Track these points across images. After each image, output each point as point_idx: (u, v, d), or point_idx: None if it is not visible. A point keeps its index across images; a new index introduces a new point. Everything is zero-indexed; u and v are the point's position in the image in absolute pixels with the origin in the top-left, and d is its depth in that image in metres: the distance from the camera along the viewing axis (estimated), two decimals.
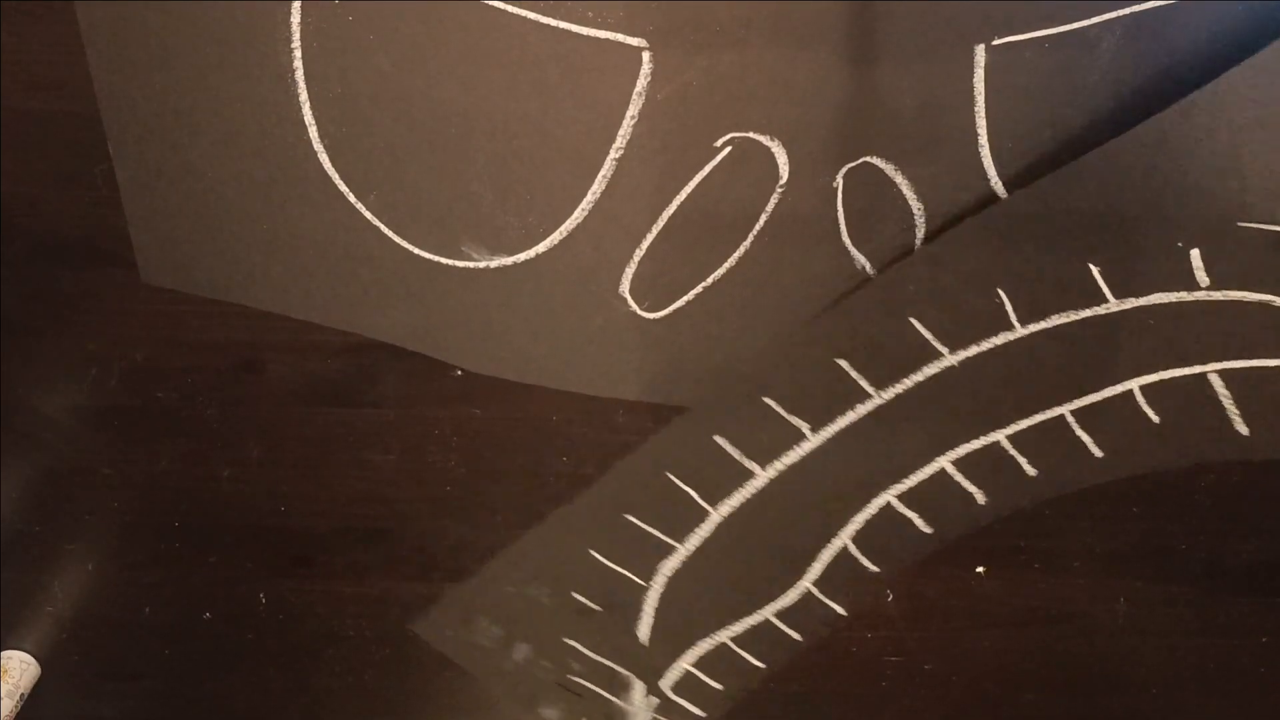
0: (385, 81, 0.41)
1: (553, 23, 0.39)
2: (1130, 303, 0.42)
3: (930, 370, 0.44)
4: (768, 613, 0.51)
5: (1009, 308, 0.42)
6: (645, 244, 0.44)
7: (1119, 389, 0.45)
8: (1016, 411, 0.46)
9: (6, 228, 0.45)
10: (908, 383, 0.45)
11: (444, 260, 0.45)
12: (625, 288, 0.45)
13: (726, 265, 0.44)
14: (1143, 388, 0.44)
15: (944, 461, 0.47)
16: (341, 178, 0.43)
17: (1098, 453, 0.46)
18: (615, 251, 0.44)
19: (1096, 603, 0.53)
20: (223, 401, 0.50)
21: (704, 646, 0.53)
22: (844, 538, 0.49)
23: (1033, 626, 0.54)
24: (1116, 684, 0.56)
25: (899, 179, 0.42)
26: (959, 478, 0.47)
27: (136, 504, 0.53)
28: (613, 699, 0.55)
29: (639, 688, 0.54)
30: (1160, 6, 0.37)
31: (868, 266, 0.43)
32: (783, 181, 0.42)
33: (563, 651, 0.53)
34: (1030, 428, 0.46)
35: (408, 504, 0.53)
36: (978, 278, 0.42)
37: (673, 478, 0.48)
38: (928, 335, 0.43)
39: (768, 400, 0.45)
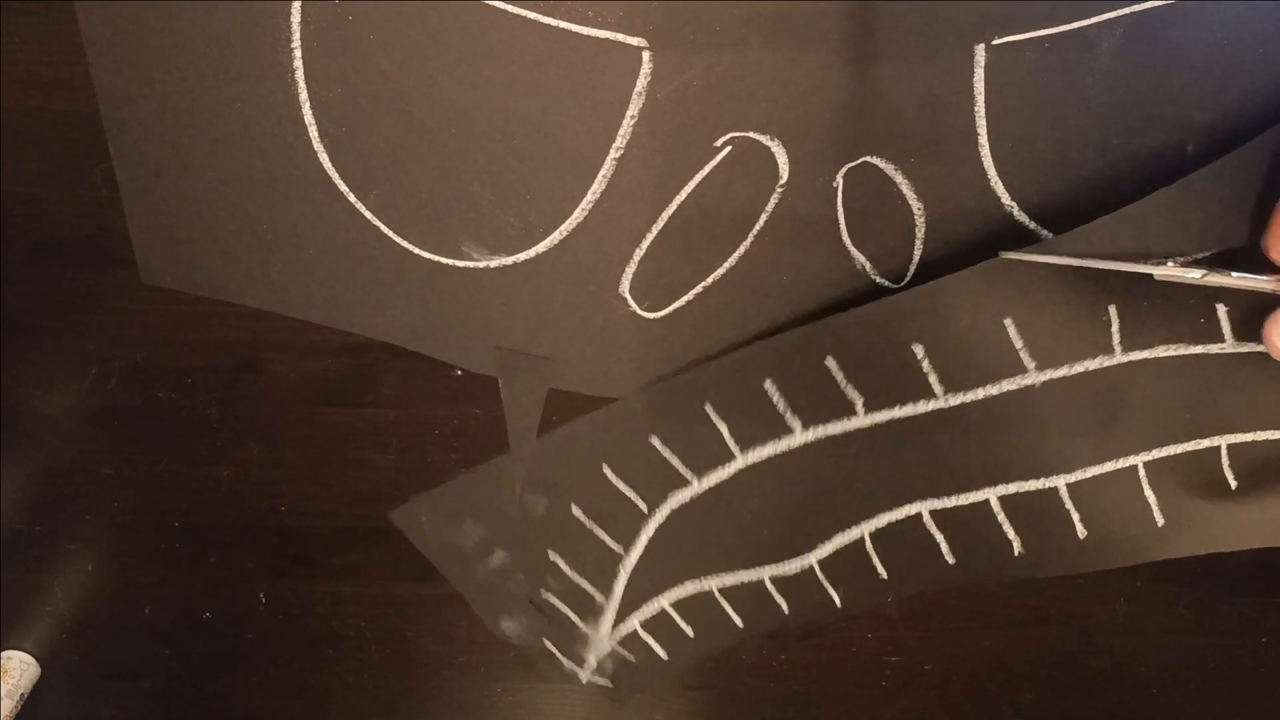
0: (385, 81, 0.41)
1: (553, 23, 0.39)
2: (1248, 346, 0.40)
3: (1008, 385, 0.42)
4: (764, 574, 0.50)
5: (1114, 328, 0.39)
6: (645, 244, 0.44)
7: (1207, 443, 0.42)
8: (1087, 454, 0.43)
9: (6, 228, 0.45)
10: (979, 394, 0.42)
11: (444, 260, 0.45)
12: (625, 288, 0.45)
13: (726, 265, 0.44)
14: (1230, 446, 0.42)
15: (990, 494, 0.44)
16: (341, 178, 0.43)
17: (1160, 520, 0.44)
18: (615, 251, 0.44)
19: (1096, 603, 0.53)
20: (223, 401, 0.50)
21: (689, 589, 0.51)
22: (864, 529, 0.47)
23: (1033, 626, 0.54)
24: (1116, 684, 0.56)
25: (899, 179, 0.42)
26: (1002, 518, 0.45)
27: (136, 504, 0.53)
28: (579, 623, 0.53)
29: (609, 616, 0.52)
30: (1160, 6, 0.37)
31: (868, 266, 0.43)
32: (783, 181, 0.42)
33: (543, 566, 0.51)
34: (1097, 478, 0.43)
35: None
36: (1090, 289, 0.39)
37: (710, 411, 0.45)
38: (1018, 343, 0.40)
39: (830, 362, 0.43)
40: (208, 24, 0.40)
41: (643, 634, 0.53)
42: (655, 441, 0.46)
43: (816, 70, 0.39)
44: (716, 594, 0.51)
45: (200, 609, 0.57)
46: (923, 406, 0.43)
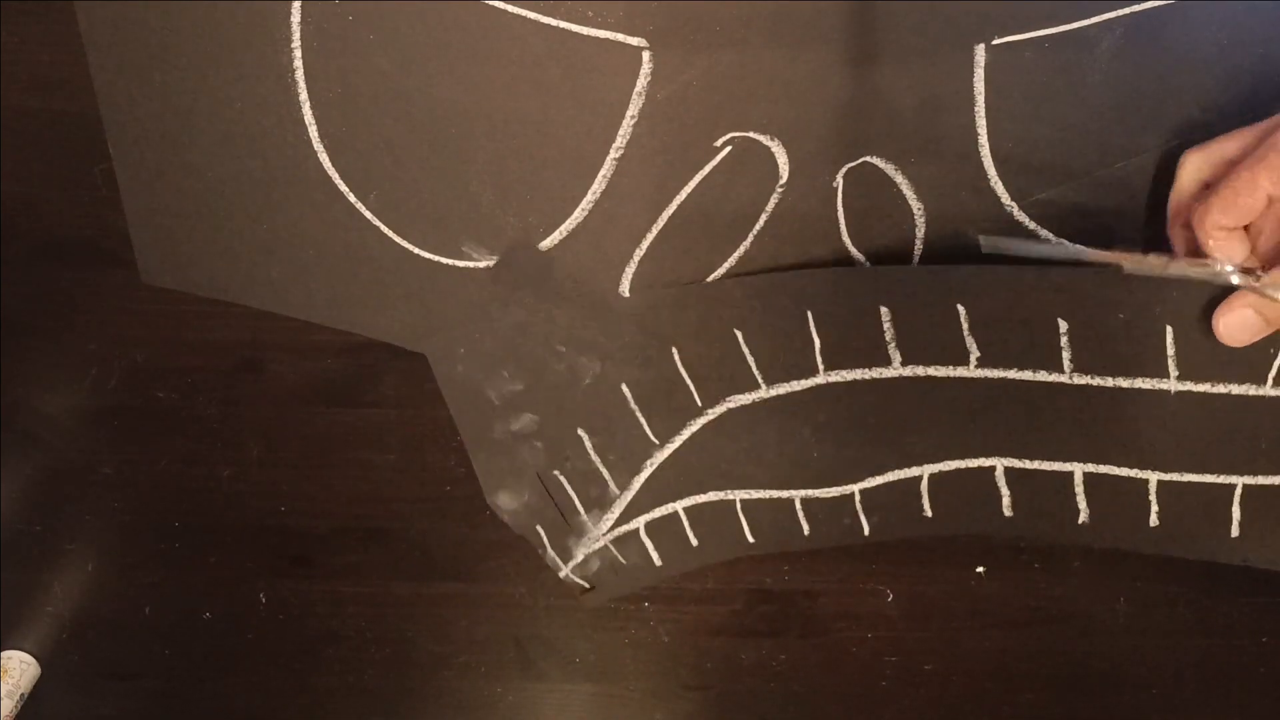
0: (385, 81, 0.41)
1: (553, 23, 0.39)
2: None
3: (1142, 384, 0.42)
4: (797, 495, 0.48)
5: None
6: (645, 244, 0.44)
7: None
8: (1192, 463, 0.43)
9: (6, 228, 0.45)
10: (1108, 382, 0.42)
11: (444, 260, 0.45)
12: (625, 288, 0.45)
13: (726, 265, 0.44)
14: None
15: (1078, 468, 0.44)
16: (341, 178, 0.43)
17: (1236, 533, 0.44)
18: (615, 251, 0.44)
19: (1096, 603, 0.53)
20: (223, 401, 0.50)
21: (710, 497, 0.48)
22: (925, 470, 0.46)
23: (1033, 626, 0.54)
24: (1116, 684, 0.56)
25: (899, 179, 0.41)
26: (1080, 490, 0.45)
27: (136, 504, 0.53)
28: (580, 512, 0.50)
29: (616, 510, 0.49)
30: (1160, 6, 0.37)
31: (868, 266, 0.43)
32: (783, 181, 0.42)
33: (566, 441, 0.48)
34: (1192, 484, 0.43)
35: (408, 504, 0.53)
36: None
37: (811, 320, 0.43)
38: (1169, 350, 0.40)
39: (960, 309, 0.42)
40: (208, 24, 0.40)
41: (644, 535, 0.50)
42: (738, 334, 0.44)
43: (816, 70, 0.39)
44: (738, 505, 0.48)
45: (200, 609, 0.57)
46: (1043, 376, 0.42)
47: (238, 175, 0.43)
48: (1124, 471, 0.44)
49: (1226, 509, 0.44)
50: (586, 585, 0.53)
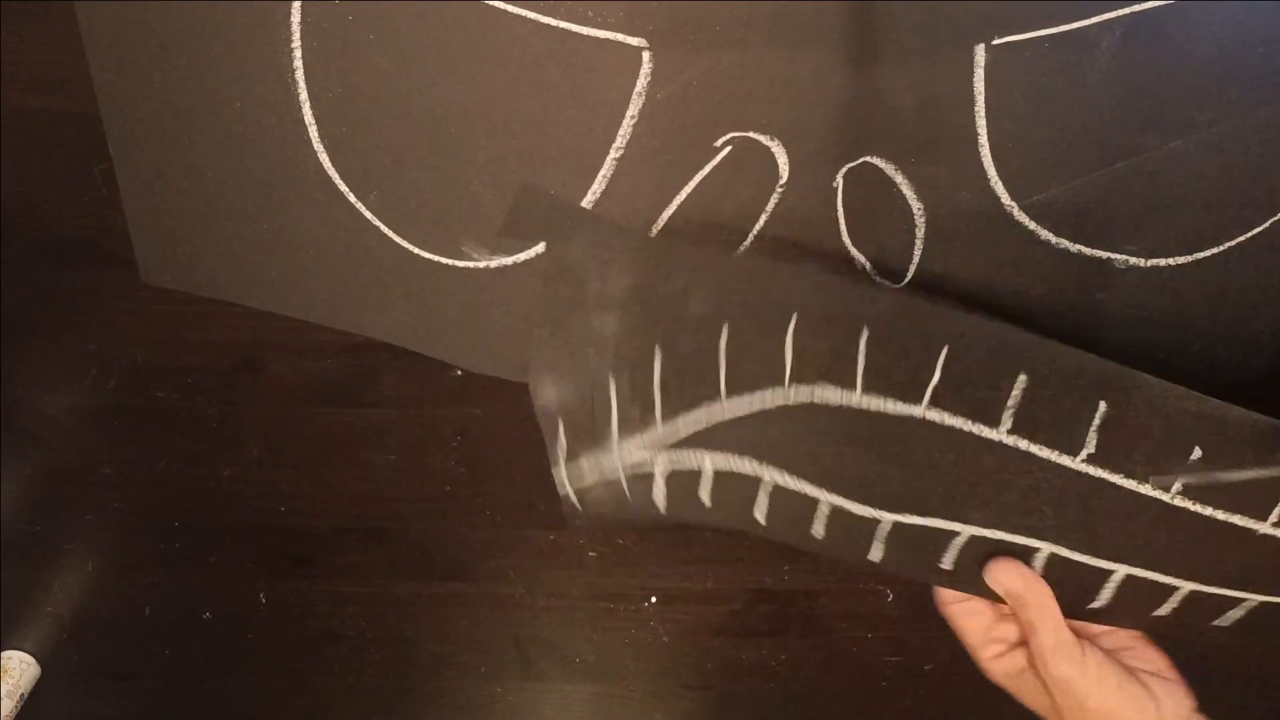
0: (385, 81, 0.41)
1: (553, 23, 0.39)
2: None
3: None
4: (826, 497, 0.45)
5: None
6: None
7: (1240, 594, 0.43)
8: (1179, 570, 0.43)
9: (6, 228, 0.45)
10: (1119, 479, 0.42)
11: (444, 260, 0.45)
12: None
13: None
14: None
15: (1048, 547, 0.44)
16: (341, 178, 0.43)
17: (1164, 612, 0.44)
18: None
19: None
20: (223, 401, 0.50)
21: (744, 465, 0.46)
22: (967, 530, 0.44)
23: None
24: None
25: (899, 179, 0.42)
26: (1039, 570, 0.45)
27: (136, 504, 0.53)
28: (613, 431, 0.47)
29: (647, 442, 0.46)
30: (1160, 6, 0.37)
31: (868, 266, 0.43)
32: (783, 181, 0.42)
33: (638, 356, 0.45)
34: (1153, 582, 0.43)
35: (408, 504, 0.53)
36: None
37: (942, 355, 0.41)
38: (1193, 458, 0.40)
39: (1023, 375, 0.40)
40: (208, 24, 0.40)
41: (660, 480, 0.47)
42: (862, 337, 0.41)
43: (816, 70, 0.39)
44: (765, 484, 0.45)
45: (200, 609, 0.57)
46: (1064, 461, 0.42)
47: (238, 175, 0.43)
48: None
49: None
50: (580, 510, 0.49)
